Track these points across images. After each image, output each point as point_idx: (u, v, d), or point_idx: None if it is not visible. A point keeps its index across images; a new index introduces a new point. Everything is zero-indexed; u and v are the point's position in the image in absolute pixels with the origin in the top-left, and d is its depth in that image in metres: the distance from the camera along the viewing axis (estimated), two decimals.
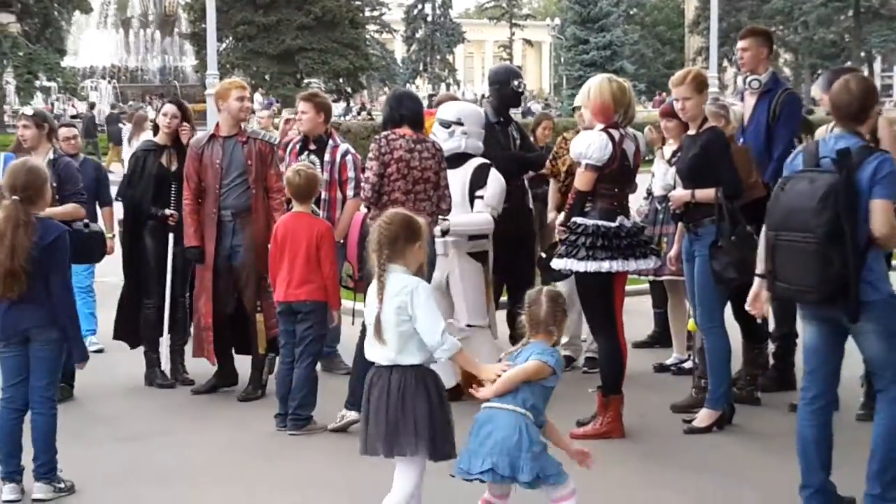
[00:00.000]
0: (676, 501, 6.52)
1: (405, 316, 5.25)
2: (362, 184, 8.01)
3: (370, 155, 7.89)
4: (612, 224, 7.49)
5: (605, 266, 7.39)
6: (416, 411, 5.26)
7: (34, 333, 6.53)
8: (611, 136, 7.51)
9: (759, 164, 8.24)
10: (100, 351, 10.00)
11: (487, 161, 8.39)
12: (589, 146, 7.47)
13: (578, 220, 7.55)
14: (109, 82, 58.88)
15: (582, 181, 7.55)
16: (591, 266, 7.34)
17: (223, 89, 9.16)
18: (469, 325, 8.31)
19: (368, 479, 6.58)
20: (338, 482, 6.84)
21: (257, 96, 47.09)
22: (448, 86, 78.07)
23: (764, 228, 6.00)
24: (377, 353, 5.38)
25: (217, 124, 9.01)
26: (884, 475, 5.83)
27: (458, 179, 8.27)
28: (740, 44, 9.00)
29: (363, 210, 8.50)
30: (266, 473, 7.11)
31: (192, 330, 9.20)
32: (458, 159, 8.34)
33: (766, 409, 8.21)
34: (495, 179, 8.28)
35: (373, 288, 5.41)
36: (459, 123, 8.31)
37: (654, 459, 7.02)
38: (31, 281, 6.35)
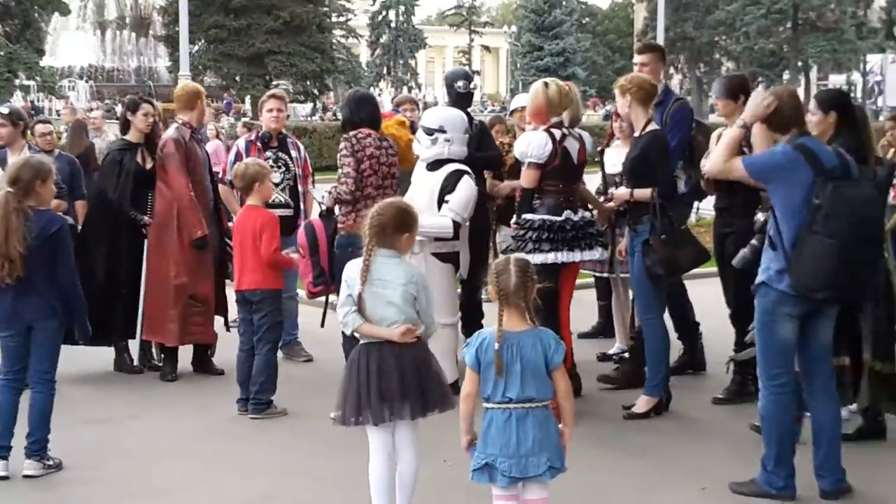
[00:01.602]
0: (617, 484, 6.54)
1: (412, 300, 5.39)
2: (342, 180, 7.99)
3: (343, 153, 7.96)
4: (558, 218, 7.55)
5: (551, 257, 7.46)
6: (431, 377, 5.42)
7: (37, 323, 6.59)
8: (551, 135, 7.58)
9: None
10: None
11: (463, 168, 8.18)
12: (529, 145, 7.56)
13: (527, 216, 7.61)
14: (87, 82, 58.53)
15: (526, 178, 7.65)
16: (537, 258, 7.30)
17: (197, 90, 9.20)
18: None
19: (328, 461, 6.63)
20: (298, 465, 6.84)
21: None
22: (410, 89, 78.05)
23: (832, 241, 5.85)
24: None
25: (188, 122, 9.01)
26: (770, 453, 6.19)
27: (430, 183, 8.13)
28: (638, 59, 9.00)
29: (314, 218, 8.49)
30: (229, 456, 7.11)
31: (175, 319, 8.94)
32: (437, 163, 8.20)
33: (700, 397, 8.25)
34: (464, 186, 8.03)
35: (356, 268, 5.43)
36: (442, 131, 8.09)
37: (595, 443, 7.03)
38: (33, 270, 6.41)
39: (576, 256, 7.64)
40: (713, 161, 6.38)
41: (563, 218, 7.58)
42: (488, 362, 4.91)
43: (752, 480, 6.28)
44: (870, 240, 6.01)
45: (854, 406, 7.81)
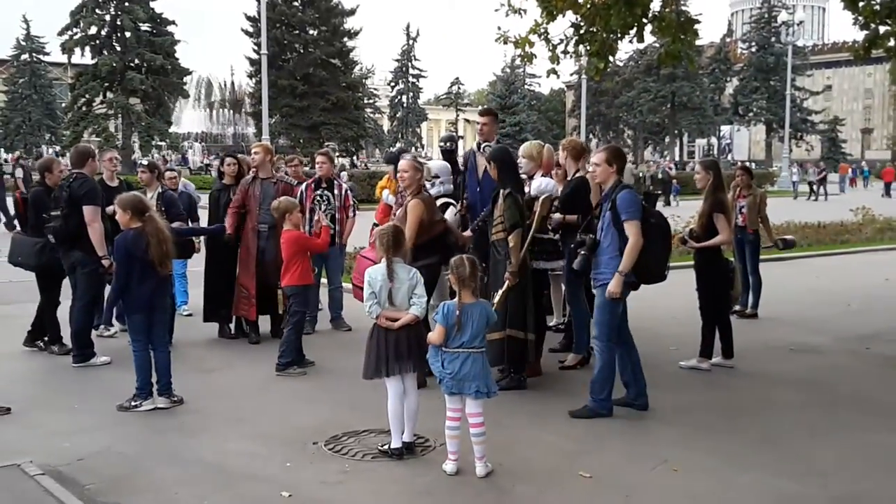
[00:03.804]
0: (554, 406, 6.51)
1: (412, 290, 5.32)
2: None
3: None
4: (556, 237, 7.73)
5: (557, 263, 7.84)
6: (423, 346, 5.27)
7: (160, 304, 6.64)
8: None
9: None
10: (189, 315, 9.89)
11: (450, 200, 8.01)
12: (548, 185, 7.55)
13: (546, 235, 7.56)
14: (199, 143, 58.57)
15: (546, 208, 7.33)
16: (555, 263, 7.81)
17: (268, 152, 9.10)
18: None
19: (361, 398, 6.56)
20: (342, 400, 6.77)
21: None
22: (415, 148, 78.17)
23: (662, 245, 6.23)
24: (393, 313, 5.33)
25: (257, 169, 8.94)
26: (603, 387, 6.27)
27: None
28: (480, 120, 8.28)
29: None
30: (293, 394, 7.05)
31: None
32: (437, 198, 8.00)
33: None
34: (448, 213, 7.82)
35: (381, 272, 5.30)
36: (437, 177, 8.02)
37: (538, 387, 7.03)
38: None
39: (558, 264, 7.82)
40: (636, 249, 6.06)
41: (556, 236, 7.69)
42: (452, 322, 5.04)
43: (585, 407, 6.29)
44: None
45: (716, 359, 7.83)
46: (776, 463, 5.40)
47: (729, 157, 67.64)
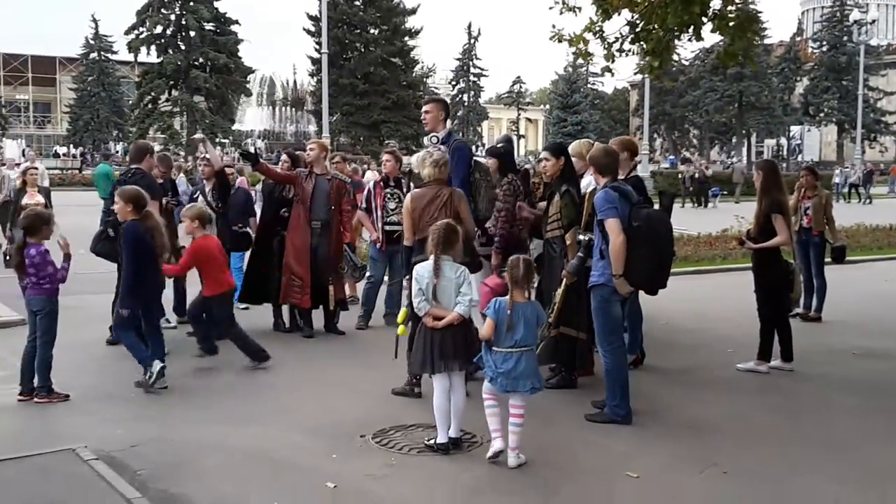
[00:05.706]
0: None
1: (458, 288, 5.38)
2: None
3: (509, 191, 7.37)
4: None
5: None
6: (470, 343, 5.37)
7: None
8: None
9: None
10: (246, 308, 10.01)
11: None
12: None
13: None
14: (262, 140, 59.39)
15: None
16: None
17: (324, 149, 9.19)
18: None
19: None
20: (390, 396, 6.79)
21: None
22: (477, 148, 78.13)
23: (650, 249, 5.85)
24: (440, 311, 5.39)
25: (312, 165, 9.01)
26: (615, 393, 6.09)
27: None
28: (424, 108, 7.63)
29: None
30: (346, 388, 7.12)
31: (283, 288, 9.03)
32: None
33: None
34: None
35: (428, 269, 5.38)
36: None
37: (590, 387, 6.99)
38: None
39: None
40: (617, 246, 5.80)
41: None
42: (503, 320, 5.13)
43: (602, 412, 6.17)
44: (669, 244, 6.21)
45: (775, 362, 7.69)
46: (832, 469, 5.28)
47: (799, 158, 66.18)
